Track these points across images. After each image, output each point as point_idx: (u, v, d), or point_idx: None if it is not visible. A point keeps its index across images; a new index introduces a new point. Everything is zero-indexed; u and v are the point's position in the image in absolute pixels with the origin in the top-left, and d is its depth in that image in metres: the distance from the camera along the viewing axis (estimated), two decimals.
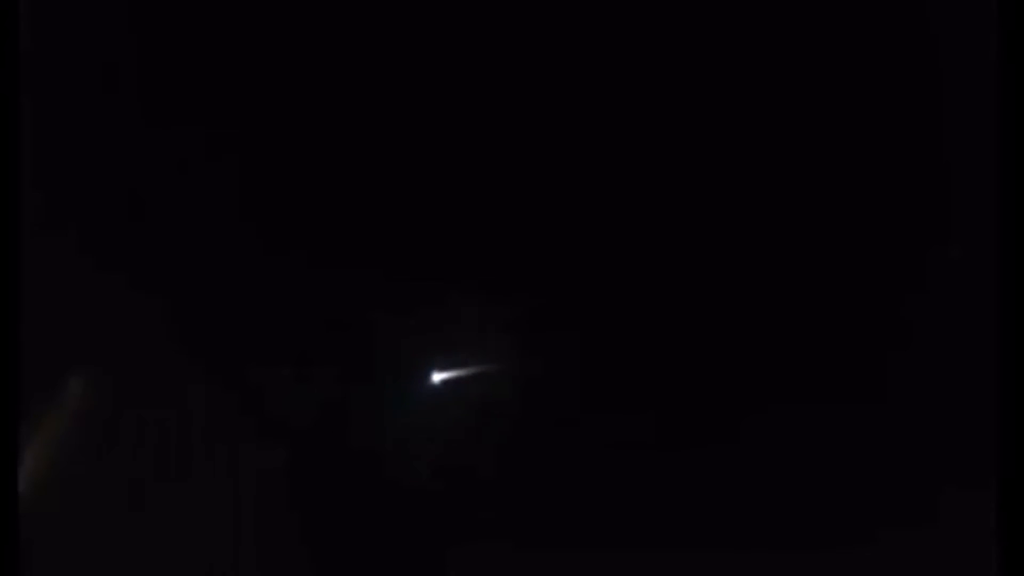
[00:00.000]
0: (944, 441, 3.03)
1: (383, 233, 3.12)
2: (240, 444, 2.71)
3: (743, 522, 3.05)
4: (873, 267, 3.15)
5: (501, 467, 3.03)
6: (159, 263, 2.88)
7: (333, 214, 3.11)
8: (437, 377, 2.94)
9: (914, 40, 3.09)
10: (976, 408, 2.87)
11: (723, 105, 3.15)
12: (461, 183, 3.15)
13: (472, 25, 3.13)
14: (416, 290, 3.09)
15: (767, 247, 3.16)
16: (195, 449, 2.67)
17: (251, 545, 2.66)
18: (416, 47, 3.13)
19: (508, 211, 3.15)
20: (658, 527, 3.08)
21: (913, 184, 3.14)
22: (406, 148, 3.13)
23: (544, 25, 3.12)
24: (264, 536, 2.71)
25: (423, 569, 3.01)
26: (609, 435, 3.09)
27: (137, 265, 2.86)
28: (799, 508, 3.06)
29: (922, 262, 3.12)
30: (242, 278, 2.95)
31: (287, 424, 2.82)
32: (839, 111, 3.13)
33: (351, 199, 3.12)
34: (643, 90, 3.16)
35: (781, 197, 3.17)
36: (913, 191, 3.14)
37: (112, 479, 2.55)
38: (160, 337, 2.70)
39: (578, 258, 3.16)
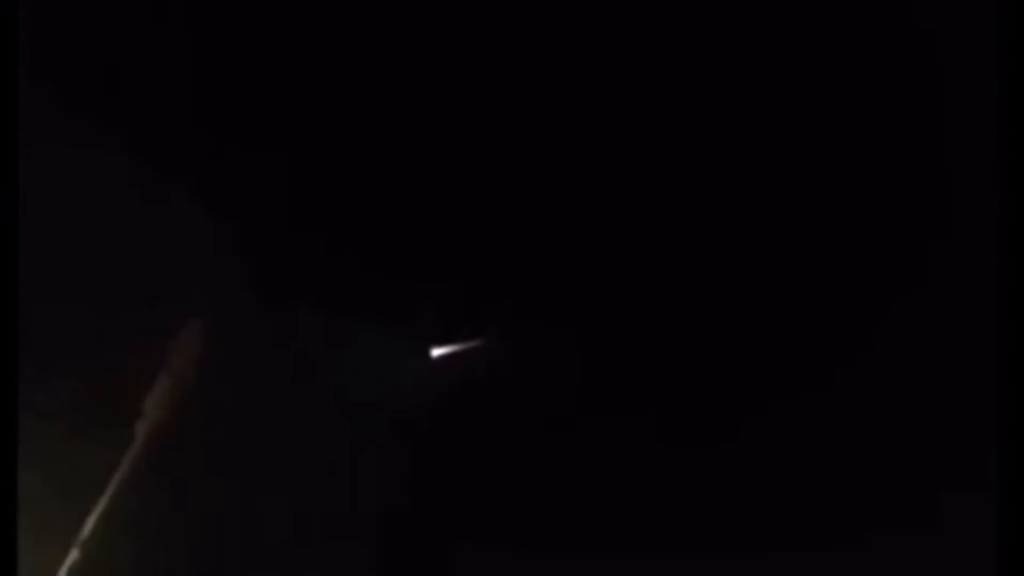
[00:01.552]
0: (944, 441, 3.03)
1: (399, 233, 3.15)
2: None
3: (743, 522, 3.05)
4: (873, 268, 3.15)
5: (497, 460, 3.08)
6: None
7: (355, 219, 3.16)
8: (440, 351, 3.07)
9: (915, 40, 3.09)
10: (976, 408, 2.87)
11: (724, 106, 3.15)
12: (470, 186, 3.17)
13: (470, 34, 3.14)
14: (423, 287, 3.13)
15: (767, 248, 3.16)
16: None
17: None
18: (415, 55, 3.15)
19: (513, 214, 3.17)
20: (660, 527, 3.08)
21: (913, 185, 3.14)
22: (417, 155, 3.15)
23: (539, 34, 3.13)
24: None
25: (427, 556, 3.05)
26: (606, 432, 3.10)
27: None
28: (799, 508, 3.06)
29: (922, 263, 3.12)
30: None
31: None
32: (839, 113, 3.14)
33: (363, 207, 3.16)
34: (644, 91, 3.16)
35: (781, 199, 3.17)
36: (913, 192, 3.14)
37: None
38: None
39: (579, 258, 3.17)
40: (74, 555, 2.70)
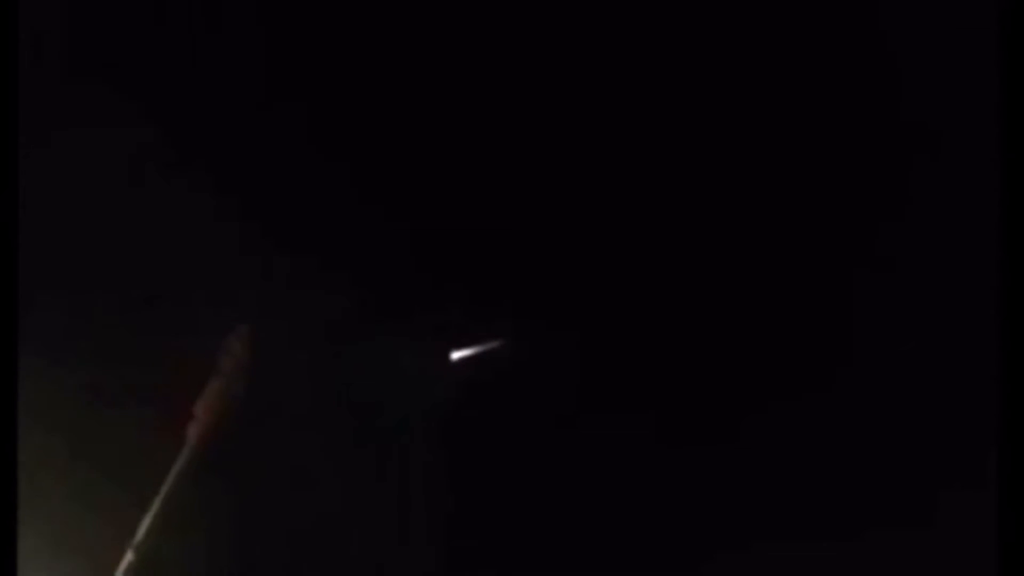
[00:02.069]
0: (944, 441, 3.03)
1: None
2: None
3: (742, 522, 3.05)
4: (873, 268, 3.15)
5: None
6: None
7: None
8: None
9: (915, 39, 3.09)
10: (976, 408, 2.87)
11: (722, 106, 3.14)
12: (472, 188, 3.17)
13: (471, 38, 3.15)
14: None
15: (767, 247, 3.16)
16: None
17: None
18: (415, 56, 3.15)
19: (514, 215, 3.17)
20: (659, 526, 3.08)
21: (913, 184, 3.14)
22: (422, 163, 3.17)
23: (538, 36, 3.14)
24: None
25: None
26: (607, 432, 3.11)
27: None
28: (798, 508, 3.06)
29: (922, 262, 3.12)
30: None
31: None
32: (839, 112, 3.13)
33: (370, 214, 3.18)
34: (641, 92, 3.16)
35: (781, 198, 3.17)
36: (913, 191, 3.14)
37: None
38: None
39: (580, 258, 3.18)
40: (129, 557, 2.76)
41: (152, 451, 2.87)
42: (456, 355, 3.11)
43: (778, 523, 3.04)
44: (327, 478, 3.04)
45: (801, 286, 3.15)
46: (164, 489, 2.80)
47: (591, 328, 3.17)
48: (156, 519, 2.77)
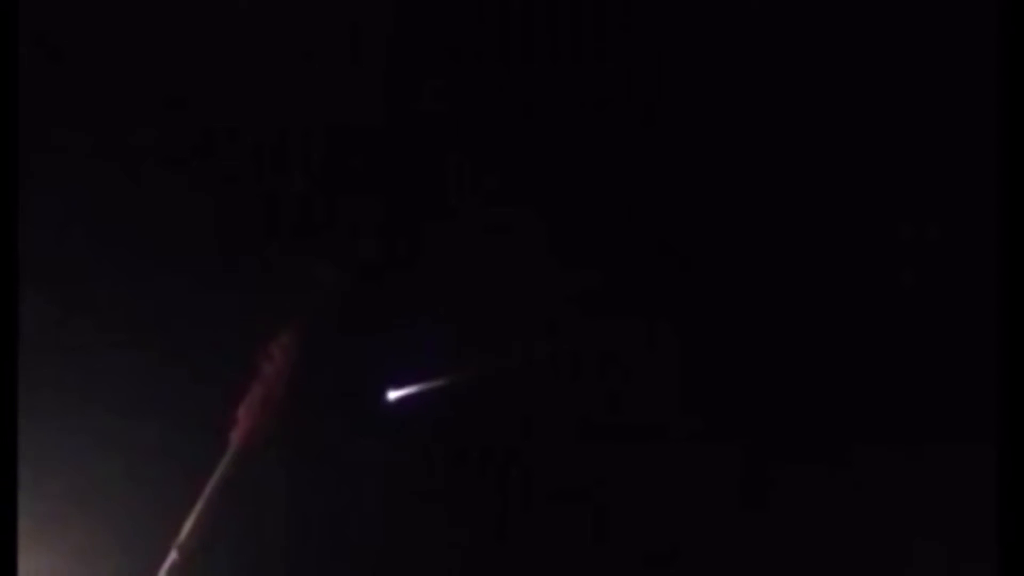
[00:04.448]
0: (944, 440, 3.03)
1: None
2: None
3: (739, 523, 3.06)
4: (872, 269, 3.15)
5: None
6: None
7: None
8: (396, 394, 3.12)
9: (914, 39, 3.10)
10: (976, 406, 2.87)
11: (721, 109, 3.15)
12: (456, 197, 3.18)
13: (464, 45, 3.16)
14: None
15: (768, 243, 3.17)
16: None
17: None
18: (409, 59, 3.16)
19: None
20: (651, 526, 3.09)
21: (913, 183, 3.14)
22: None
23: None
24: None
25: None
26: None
27: None
28: (797, 513, 3.06)
29: (921, 261, 3.12)
30: None
31: None
32: (841, 110, 3.14)
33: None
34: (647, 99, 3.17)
35: (780, 201, 3.17)
36: (912, 189, 3.14)
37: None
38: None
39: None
40: (172, 556, 2.82)
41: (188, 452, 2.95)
42: (393, 395, 3.12)
43: (776, 524, 3.04)
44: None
45: (798, 296, 3.15)
46: (207, 491, 2.85)
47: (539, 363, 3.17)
48: (199, 520, 2.82)
